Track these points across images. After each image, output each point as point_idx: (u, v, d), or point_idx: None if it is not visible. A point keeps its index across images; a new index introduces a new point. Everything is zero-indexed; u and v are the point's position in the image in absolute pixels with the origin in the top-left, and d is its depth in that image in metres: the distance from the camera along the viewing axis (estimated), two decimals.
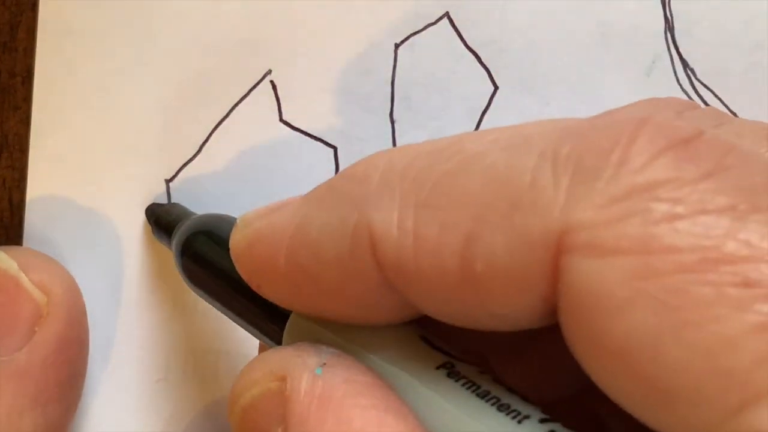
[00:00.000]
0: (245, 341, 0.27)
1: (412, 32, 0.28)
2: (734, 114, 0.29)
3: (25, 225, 0.26)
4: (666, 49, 0.29)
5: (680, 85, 0.29)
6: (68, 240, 0.26)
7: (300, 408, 0.17)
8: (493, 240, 0.15)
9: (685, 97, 0.29)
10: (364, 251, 0.17)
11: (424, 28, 0.28)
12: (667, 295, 0.14)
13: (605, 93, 0.29)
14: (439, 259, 0.16)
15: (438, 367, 0.17)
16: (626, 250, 0.14)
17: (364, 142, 0.28)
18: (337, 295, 0.18)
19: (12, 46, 0.25)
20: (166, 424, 0.27)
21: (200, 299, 0.24)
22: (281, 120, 0.27)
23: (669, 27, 0.29)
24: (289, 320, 0.20)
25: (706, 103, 0.29)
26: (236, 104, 0.27)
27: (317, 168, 0.28)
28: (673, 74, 0.29)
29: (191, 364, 0.27)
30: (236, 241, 0.20)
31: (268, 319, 0.20)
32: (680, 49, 0.29)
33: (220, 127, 0.27)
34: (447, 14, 0.28)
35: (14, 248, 0.25)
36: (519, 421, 0.16)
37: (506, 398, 0.17)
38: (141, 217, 0.27)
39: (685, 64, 0.29)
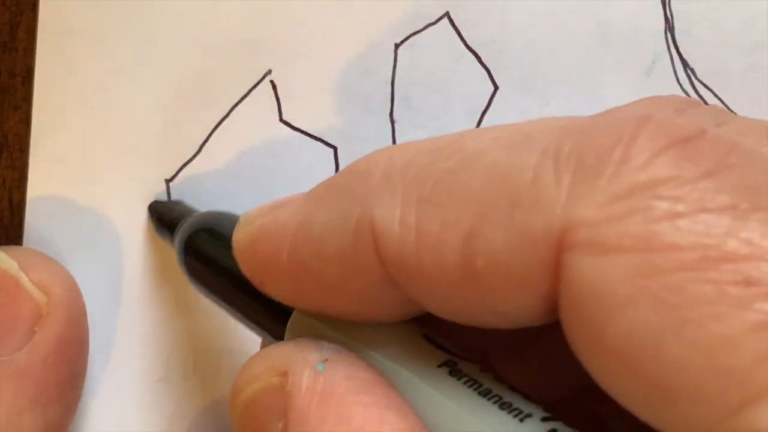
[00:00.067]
0: (246, 340, 0.27)
1: (412, 32, 0.28)
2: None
3: (25, 225, 0.26)
4: (666, 49, 0.29)
5: (680, 85, 0.29)
6: (68, 240, 0.26)
7: (301, 403, 0.17)
8: (494, 237, 0.15)
9: None
10: (367, 247, 0.17)
11: (424, 28, 0.28)
12: (668, 293, 0.14)
13: (605, 93, 0.29)
14: (440, 255, 0.16)
15: (440, 365, 0.17)
16: (627, 247, 0.14)
17: (364, 142, 0.28)
18: (339, 292, 0.18)
19: (12, 46, 0.25)
20: (166, 423, 0.27)
21: (201, 298, 0.24)
22: (281, 120, 0.27)
23: (669, 27, 0.29)
24: (291, 317, 0.20)
25: (706, 103, 0.29)
26: (236, 104, 0.27)
27: (317, 168, 0.28)
28: (673, 74, 0.29)
29: (192, 363, 0.27)
30: (239, 238, 0.20)
31: (270, 317, 0.20)
32: (680, 49, 0.29)
33: (220, 127, 0.27)
34: (447, 14, 0.28)
35: (14, 248, 0.25)
36: (521, 420, 0.16)
37: (508, 397, 0.17)
38: (141, 217, 0.27)
39: (685, 64, 0.29)
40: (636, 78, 0.29)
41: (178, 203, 0.26)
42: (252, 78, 0.27)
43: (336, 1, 0.27)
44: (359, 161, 0.18)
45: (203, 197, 0.27)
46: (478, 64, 0.28)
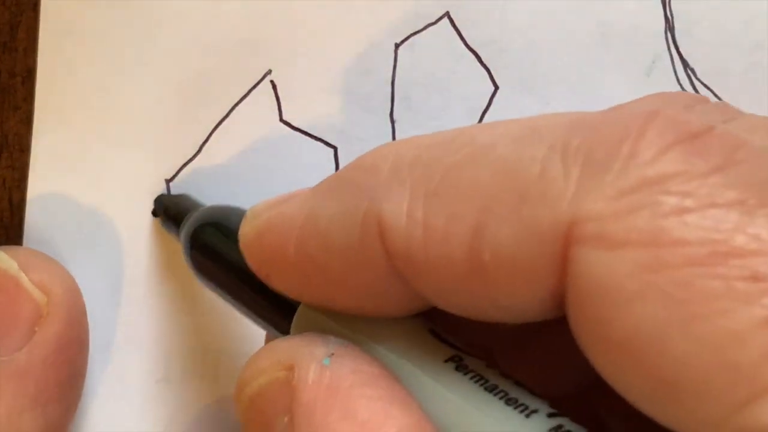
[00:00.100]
0: (246, 340, 0.27)
1: (412, 32, 0.28)
2: None
3: (25, 225, 0.26)
4: (666, 49, 0.29)
5: (680, 85, 0.29)
6: (68, 240, 0.26)
7: (307, 397, 0.17)
8: (501, 231, 0.15)
9: None
10: (374, 240, 0.17)
11: (424, 28, 0.28)
12: (675, 288, 0.14)
13: (605, 93, 0.29)
14: (447, 248, 0.16)
15: (446, 360, 0.17)
16: (635, 242, 0.14)
17: (364, 142, 0.28)
18: (345, 285, 0.18)
19: (12, 46, 0.25)
20: (166, 424, 0.27)
21: (201, 299, 0.24)
22: (281, 120, 0.27)
23: (669, 27, 0.29)
24: (297, 312, 0.20)
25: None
26: (236, 104, 0.27)
27: (317, 168, 0.28)
28: (673, 74, 0.29)
29: (191, 364, 0.27)
30: (245, 232, 0.20)
31: (275, 311, 0.20)
32: (680, 49, 0.29)
33: (220, 127, 0.27)
34: (447, 14, 0.28)
35: (14, 248, 0.25)
36: (527, 415, 0.16)
37: (514, 392, 0.17)
38: (141, 217, 0.27)
39: (685, 64, 0.29)
40: (636, 78, 0.29)
41: (184, 197, 0.26)
42: (252, 78, 0.27)
43: (336, 1, 0.27)
44: (366, 155, 0.18)
45: (203, 197, 0.27)
46: (478, 64, 0.28)
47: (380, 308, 0.18)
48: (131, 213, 0.26)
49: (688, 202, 0.14)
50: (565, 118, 0.16)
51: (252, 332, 0.25)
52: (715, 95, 0.29)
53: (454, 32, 0.28)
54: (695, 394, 0.13)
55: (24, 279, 0.24)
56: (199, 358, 0.27)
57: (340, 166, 0.28)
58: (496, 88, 0.28)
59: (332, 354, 0.17)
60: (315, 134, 0.28)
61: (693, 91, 0.29)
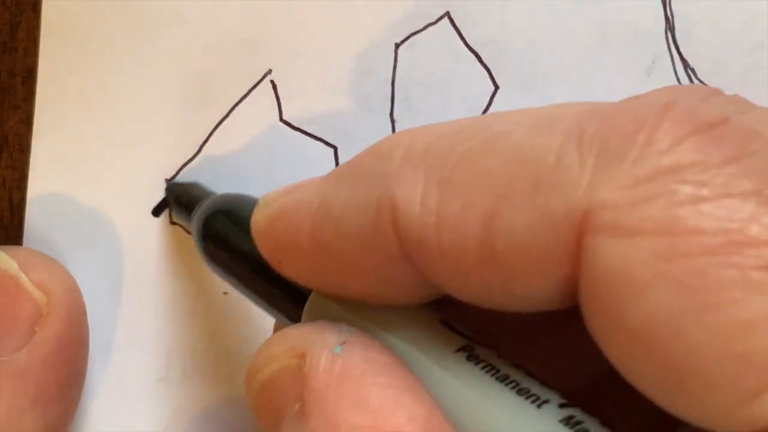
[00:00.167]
0: (246, 341, 0.27)
1: (412, 32, 0.28)
2: None
3: (25, 225, 0.26)
4: (666, 49, 0.29)
5: (680, 85, 0.29)
6: (68, 240, 0.26)
7: (318, 385, 0.17)
8: (515, 218, 0.15)
9: None
10: (386, 227, 0.17)
11: (425, 28, 0.28)
12: (689, 277, 0.14)
13: (605, 93, 0.29)
14: (460, 236, 0.16)
15: (457, 350, 0.17)
16: (650, 231, 0.14)
17: (364, 142, 0.28)
18: (358, 272, 0.18)
19: (12, 46, 0.25)
20: (166, 424, 0.27)
21: (201, 299, 0.24)
22: (281, 120, 0.27)
23: (669, 27, 0.29)
24: (308, 300, 0.20)
25: None
26: (236, 104, 0.27)
27: (317, 168, 0.28)
28: (673, 74, 0.29)
29: (191, 363, 0.27)
30: (258, 220, 0.20)
31: (287, 299, 0.20)
32: (680, 49, 0.29)
33: (220, 127, 0.27)
34: (447, 14, 0.28)
35: (14, 248, 0.25)
36: (538, 406, 0.16)
37: (525, 382, 0.17)
38: (141, 217, 0.27)
39: (685, 64, 0.29)
40: (636, 78, 0.29)
41: (196, 185, 0.26)
42: (252, 78, 0.27)
43: (336, 1, 0.27)
44: (380, 142, 0.18)
45: None
46: (479, 64, 0.28)
47: (392, 296, 0.18)
48: (131, 213, 0.26)
49: (704, 192, 0.14)
50: (581, 108, 0.16)
51: (252, 332, 0.25)
52: None
53: (454, 32, 0.28)
54: (706, 384, 0.13)
55: (24, 279, 0.24)
56: (199, 358, 0.27)
57: None
58: (496, 88, 0.28)
59: (344, 342, 0.17)
60: (315, 134, 0.28)
61: None
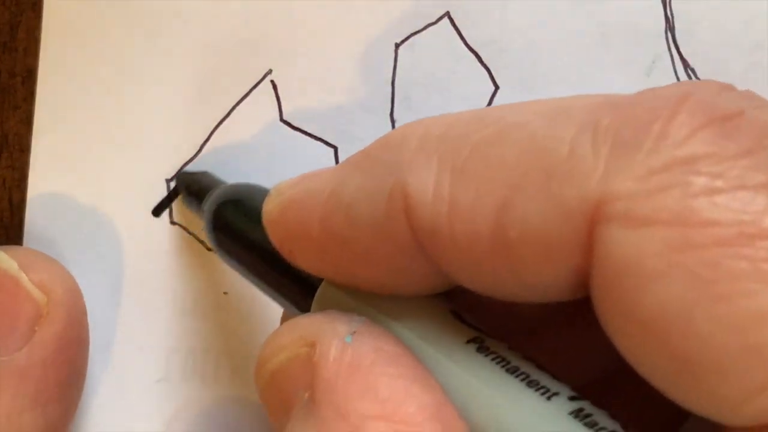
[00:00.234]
0: (246, 341, 0.27)
1: (412, 32, 0.28)
2: None
3: (25, 225, 0.26)
4: (666, 49, 0.29)
5: None
6: (68, 240, 0.26)
7: (328, 374, 0.17)
8: (528, 208, 0.15)
9: None
10: (399, 215, 0.17)
11: (425, 28, 0.28)
12: (702, 268, 0.14)
13: (605, 93, 0.29)
14: (473, 225, 0.16)
15: (467, 341, 0.17)
16: (664, 221, 0.14)
17: (364, 142, 0.28)
18: (369, 261, 0.18)
19: (12, 46, 0.25)
20: (166, 424, 0.27)
21: (201, 299, 0.24)
22: (281, 120, 0.27)
23: (669, 27, 0.29)
24: (319, 289, 0.20)
25: None
26: (236, 104, 0.27)
27: (317, 168, 0.28)
28: (673, 74, 0.29)
29: (191, 364, 0.27)
30: (269, 209, 0.20)
31: (297, 288, 0.20)
32: (680, 49, 0.29)
33: (220, 127, 0.27)
34: (447, 14, 0.28)
35: (14, 248, 0.25)
36: (548, 398, 0.16)
37: (535, 375, 0.17)
38: (141, 217, 0.27)
39: (685, 64, 0.29)
40: (636, 78, 0.29)
41: (206, 174, 0.26)
42: (252, 78, 0.27)
43: (336, 1, 0.27)
44: (393, 132, 0.18)
45: None
46: (479, 64, 0.28)
47: (403, 285, 0.18)
48: (131, 213, 0.26)
49: (718, 183, 0.14)
50: (596, 99, 0.16)
51: (252, 332, 0.25)
52: None
53: (454, 32, 0.28)
54: (716, 376, 0.13)
55: (24, 279, 0.24)
56: (199, 358, 0.27)
57: None
58: (497, 88, 0.28)
59: (354, 332, 0.17)
60: (315, 134, 0.28)
61: None
